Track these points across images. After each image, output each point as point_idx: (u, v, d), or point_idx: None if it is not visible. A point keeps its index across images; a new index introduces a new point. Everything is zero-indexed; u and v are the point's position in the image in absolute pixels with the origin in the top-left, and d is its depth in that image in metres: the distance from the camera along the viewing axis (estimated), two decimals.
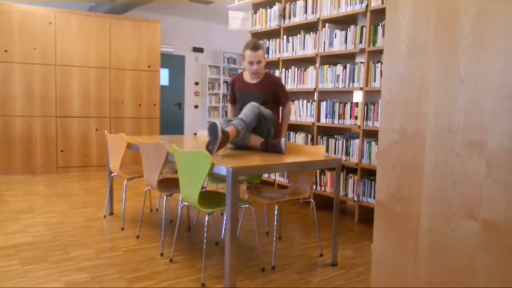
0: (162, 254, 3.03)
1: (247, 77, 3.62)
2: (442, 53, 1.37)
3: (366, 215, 4.13)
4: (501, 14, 1.22)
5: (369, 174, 4.06)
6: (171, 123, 9.69)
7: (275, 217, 2.95)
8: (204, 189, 3.26)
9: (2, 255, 2.92)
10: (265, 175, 5.14)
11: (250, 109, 3.06)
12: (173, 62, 9.59)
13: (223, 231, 3.61)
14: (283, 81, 4.83)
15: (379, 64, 3.85)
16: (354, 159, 4.09)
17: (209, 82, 10.06)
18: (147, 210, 4.28)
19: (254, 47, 3.40)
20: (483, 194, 1.27)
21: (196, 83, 9.99)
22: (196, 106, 10.03)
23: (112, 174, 3.87)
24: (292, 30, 4.92)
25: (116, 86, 6.62)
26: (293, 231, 3.74)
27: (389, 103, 1.55)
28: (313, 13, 4.49)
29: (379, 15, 3.91)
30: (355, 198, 4.06)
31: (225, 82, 10.30)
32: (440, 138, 1.38)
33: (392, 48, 1.53)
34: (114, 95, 6.62)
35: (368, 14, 3.89)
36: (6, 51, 5.81)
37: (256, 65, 3.44)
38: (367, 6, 3.91)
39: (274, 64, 5.19)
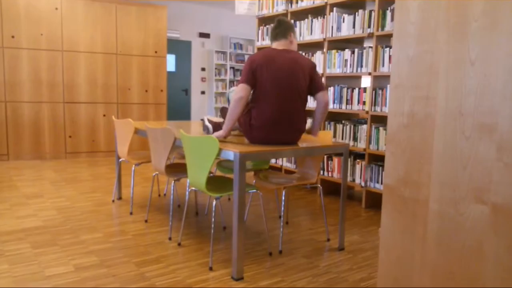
0: (170, 238, 3.07)
1: None
2: (453, 36, 1.35)
3: (374, 201, 4.13)
4: None
5: (376, 159, 4.05)
6: (178, 109, 9.70)
7: (283, 202, 2.96)
8: (212, 175, 3.28)
9: (13, 238, 2.97)
10: (273, 161, 5.14)
11: None
12: (180, 48, 9.55)
13: (232, 216, 3.64)
14: None
15: (387, 49, 3.80)
16: (361, 145, 4.08)
17: (215, 68, 10.02)
18: (155, 195, 4.31)
19: None
20: (493, 177, 1.26)
21: (203, 69, 9.96)
22: (203, 92, 10.02)
23: (120, 159, 3.90)
24: (300, 15, 4.86)
25: (123, 72, 6.62)
26: (300, 216, 3.75)
27: (398, 87, 1.53)
28: None
29: None
30: (363, 184, 4.06)
31: (231, 68, 10.25)
32: (449, 121, 1.37)
33: (402, 31, 1.51)
34: (121, 81, 6.62)
35: None
36: (13, 37, 5.82)
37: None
38: None
39: None
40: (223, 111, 3.27)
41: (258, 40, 5.37)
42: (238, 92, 2.64)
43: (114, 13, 6.44)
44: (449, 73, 1.36)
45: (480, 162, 1.29)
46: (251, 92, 2.72)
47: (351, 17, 4.13)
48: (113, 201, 4.02)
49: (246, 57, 10.48)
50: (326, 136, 3.18)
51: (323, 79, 4.43)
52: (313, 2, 4.50)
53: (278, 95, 2.68)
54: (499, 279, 1.26)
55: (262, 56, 2.72)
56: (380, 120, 4.03)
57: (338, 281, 2.47)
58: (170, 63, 9.47)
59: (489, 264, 1.28)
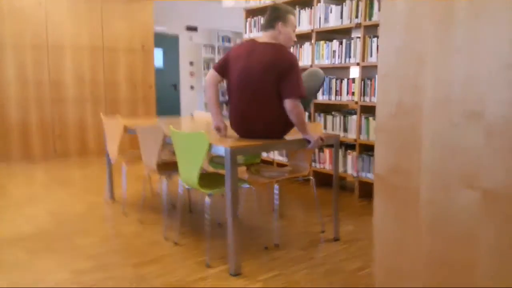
0: (166, 238, 3.06)
1: None
2: (439, 25, 1.35)
3: (366, 190, 4.15)
4: None
5: (367, 149, 4.07)
6: (168, 105, 9.63)
7: (276, 196, 2.96)
8: (204, 171, 3.27)
9: (7, 245, 2.94)
10: (264, 155, 5.14)
11: None
12: (167, 42, 9.47)
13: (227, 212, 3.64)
14: None
15: (375, 39, 3.80)
16: (352, 135, 4.09)
17: (204, 62, 9.96)
18: (148, 194, 4.29)
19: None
20: (482, 163, 1.27)
21: (191, 63, 9.90)
22: (192, 87, 9.96)
23: (111, 159, 3.87)
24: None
25: (110, 67, 6.56)
26: (294, 209, 3.76)
27: (386, 76, 1.53)
28: None
29: None
30: (355, 174, 4.07)
31: None
32: (438, 109, 1.37)
33: (388, 20, 1.50)
34: (108, 76, 6.56)
35: None
36: None
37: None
38: None
39: None
40: None
41: (246, 33, 5.34)
42: (207, 77, 2.76)
43: (100, 6, 6.36)
44: (436, 62, 1.36)
45: (469, 149, 1.30)
46: (224, 82, 2.76)
47: (339, 7, 4.12)
48: (106, 202, 4.00)
49: None
50: (316, 128, 3.18)
51: None
52: None
53: (236, 94, 2.65)
54: (492, 262, 1.27)
55: (238, 49, 2.67)
56: (369, 110, 4.03)
57: (335, 272, 2.49)
58: (158, 57, 9.39)
59: (481, 249, 1.29)
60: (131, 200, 4.05)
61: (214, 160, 3.61)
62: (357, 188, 4.11)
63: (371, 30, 3.93)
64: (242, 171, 4.88)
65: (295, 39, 2.79)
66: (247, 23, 5.32)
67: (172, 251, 2.82)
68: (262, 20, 5.11)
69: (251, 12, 5.30)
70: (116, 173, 5.17)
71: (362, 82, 3.93)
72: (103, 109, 6.56)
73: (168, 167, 3.33)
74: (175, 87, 9.66)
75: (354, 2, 3.96)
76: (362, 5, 3.86)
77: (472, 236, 1.31)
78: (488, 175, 1.26)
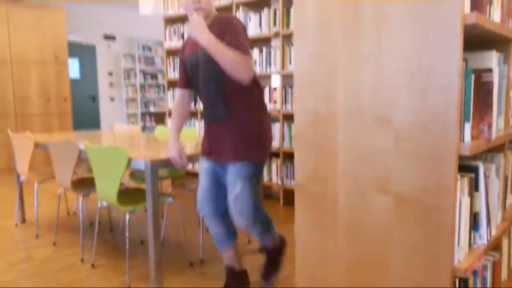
0: (82, 260, 2.84)
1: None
2: (347, 33, 1.38)
3: (291, 198, 4.21)
4: None
5: (291, 157, 4.13)
6: (86, 118, 9.13)
7: None
8: (124, 187, 3.11)
9: None
10: (190, 167, 5.03)
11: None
12: (83, 52, 8.99)
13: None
14: None
15: (293, 47, 3.89)
16: (275, 143, 4.13)
17: (124, 72, 9.61)
18: (64, 214, 3.99)
19: None
20: (392, 168, 1.31)
21: (110, 74, 9.49)
22: (112, 99, 9.55)
23: (21, 178, 3.55)
24: None
25: (20, 81, 6.07)
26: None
27: (301, 85, 1.54)
28: None
29: None
30: (279, 182, 4.11)
31: (141, 71, 9.89)
32: (350, 117, 1.40)
33: (301, 29, 1.51)
34: (18, 91, 6.07)
35: None
36: None
37: None
38: None
39: None
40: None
41: (166, 41, 5.22)
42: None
43: (5, 15, 5.87)
44: (347, 70, 1.39)
45: (380, 154, 1.33)
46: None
47: (257, 16, 4.16)
48: (16, 225, 3.65)
49: (156, 59, 10.19)
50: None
51: None
52: (220, 1, 4.46)
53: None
54: (404, 263, 1.31)
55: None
56: (291, 118, 4.11)
57: (261, 283, 2.46)
58: (74, 68, 8.88)
59: (395, 250, 1.33)
60: (45, 221, 3.74)
61: (136, 174, 3.45)
62: (282, 196, 4.15)
63: (289, 38, 4.02)
64: (167, 184, 4.73)
65: None
66: (167, 32, 5.20)
67: (89, 273, 2.62)
68: (182, 28, 5.02)
69: (170, 21, 5.20)
70: (28, 193, 4.76)
71: (283, 90, 4.00)
72: (12, 126, 6.04)
73: (85, 184, 3.12)
74: (94, 99, 9.19)
75: (271, 10, 4.02)
76: (279, 13, 3.93)
77: (385, 239, 1.35)
78: (398, 180, 1.30)
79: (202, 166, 2.24)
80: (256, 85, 2.16)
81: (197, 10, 1.98)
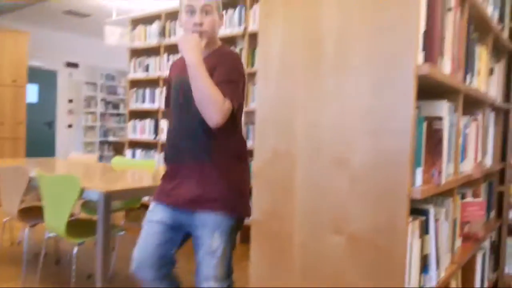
0: None
1: None
2: (309, 74, 1.42)
3: (248, 235, 4.15)
4: (361, 39, 1.31)
5: (250, 193, 4.11)
6: (41, 144, 8.78)
7: None
8: (74, 218, 2.98)
9: None
10: (145, 198, 4.90)
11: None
12: (43, 78, 8.77)
13: None
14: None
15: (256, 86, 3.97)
16: None
17: (85, 100, 9.42)
18: (7, 244, 3.75)
19: None
20: (347, 208, 1.33)
21: (70, 101, 9.27)
22: (70, 126, 9.28)
23: None
24: (174, 48, 4.84)
25: None
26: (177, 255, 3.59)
27: (262, 123, 1.56)
28: None
29: (256, 38, 4.05)
30: None
31: (103, 100, 9.73)
32: (308, 156, 1.42)
33: (264, 68, 1.55)
34: None
35: (246, 36, 4.01)
36: None
37: (200, 16, 1.79)
38: (245, 28, 4.02)
39: (154, 83, 5.03)
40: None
41: (130, 72, 5.19)
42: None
43: None
44: (307, 110, 1.43)
45: (336, 194, 1.35)
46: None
47: None
48: None
49: (119, 89, 10.08)
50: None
51: None
52: None
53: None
54: None
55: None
56: (252, 155, 4.12)
57: None
58: (32, 93, 8.61)
59: None
60: None
61: (87, 205, 3.32)
62: (239, 233, 4.09)
63: (254, 78, 4.10)
64: (120, 216, 4.56)
65: (184, 18, 1.83)
66: (132, 63, 5.18)
67: None
68: (146, 61, 5.02)
69: (136, 52, 5.19)
70: None
71: (246, 127, 4.03)
72: None
73: (32, 213, 2.96)
74: (50, 124, 8.90)
75: (237, 50, 4.11)
76: (245, 53, 4.02)
77: (339, 279, 1.35)
78: (352, 220, 1.32)
79: (153, 216, 1.85)
80: (240, 135, 1.96)
81: (199, 33, 1.76)
